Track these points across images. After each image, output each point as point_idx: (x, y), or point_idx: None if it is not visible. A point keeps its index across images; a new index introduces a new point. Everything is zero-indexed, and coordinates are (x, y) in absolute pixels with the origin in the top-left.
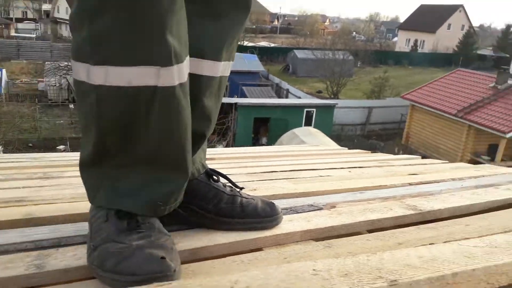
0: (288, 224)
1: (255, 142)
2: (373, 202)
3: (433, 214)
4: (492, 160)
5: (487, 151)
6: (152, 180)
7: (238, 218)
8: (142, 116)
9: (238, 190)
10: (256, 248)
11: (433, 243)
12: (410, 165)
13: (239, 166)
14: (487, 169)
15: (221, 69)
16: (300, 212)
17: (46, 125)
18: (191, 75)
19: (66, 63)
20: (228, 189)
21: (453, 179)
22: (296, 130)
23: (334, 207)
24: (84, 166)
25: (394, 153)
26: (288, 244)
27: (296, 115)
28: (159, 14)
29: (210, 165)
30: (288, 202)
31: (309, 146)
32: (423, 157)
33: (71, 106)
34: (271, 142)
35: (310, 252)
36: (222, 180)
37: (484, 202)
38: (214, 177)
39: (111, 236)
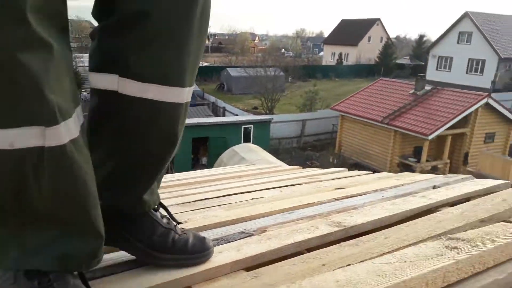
0: (218, 256)
1: (195, 163)
2: (301, 222)
3: (356, 229)
4: (418, 161)
5: (413, 153)
6: (59, 235)
7: (169, 253)
8: (31, 178)
9: (174, 224)
10: (185, 286)
11: (350, 264)
12: (337, 178)
13: (172, 196)
14: (406, 178)
15: (186, 94)
16: (231, 241)
17: None
18: (161, 103)
19: None
20: (165, 220)
21: (375, 191)
22: (236, 148)
23: (264, 231)
24: None
25: (329, 162)
26: (218, 278)
27: (234, 132)
28: (32, 75)
29: None
30: (220, 231)
31: (244, 166)
32: (355, 164)
33: None
34: (212, 161)
35: (238, 285)
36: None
37: (402, 212)
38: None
39: None
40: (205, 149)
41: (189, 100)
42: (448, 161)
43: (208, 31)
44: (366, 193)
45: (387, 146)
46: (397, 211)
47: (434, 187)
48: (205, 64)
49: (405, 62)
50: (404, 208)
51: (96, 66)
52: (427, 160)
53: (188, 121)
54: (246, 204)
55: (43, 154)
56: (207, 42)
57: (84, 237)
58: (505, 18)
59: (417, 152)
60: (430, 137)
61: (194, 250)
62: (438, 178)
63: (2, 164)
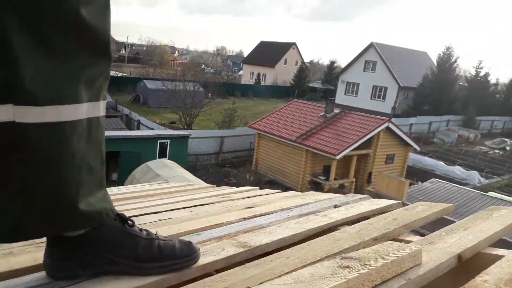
0: (119, 284)
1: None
2: (208, 243)
3: (261, 249)
4: (327, 179)
5: (322, 171)
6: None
7: (157, 262)
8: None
9: (154, 233)
10: None
11: (250, 286)
12: (248, 197)
13: None
14: (311, 196)
15: (85, 110)
16: None
17: None
18: (51, 124)
19: None
20: (144, 233)
21: (282, 209)
22: (150, 163)
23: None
24: None
25: (246, 179)
26: None
27: (149, 147)
28: None
29: None
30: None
31: (155, 184)
32: (270, 180)
33: None
34: (123, 177)
35: None
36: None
37: (305, 231)
38: (129, 221)
39: None
40: (115, 164)
41: (95, 115)
42: (354, 179)
43: (125, 40)
44: (273, 211)
45: (299, 164)
46: (300, 230)
47: (335, 206)
48: (120, 74)
49: (317, 85)
50: (307, 227)
51: None
52: (335, 179)
53: None
54: (152, 226)
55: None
56: (123, 51)
57: None
58: (405, 50)
59: (326, 171)
60: (337, 157)
61: (182, 254)
62: (339, 198)
63: None
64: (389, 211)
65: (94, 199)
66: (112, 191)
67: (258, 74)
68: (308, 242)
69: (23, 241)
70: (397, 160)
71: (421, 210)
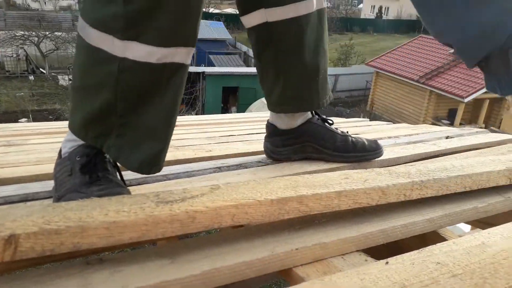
0: (236, 177)
1: (224, 112)
2: None
3: (363, 166)
4: (451, 124)
5: (447, 115)
6: (146, 140)
7: (351, 152)
8: (162, 87)
9: (346, 132)
10: None
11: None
12: (356, 126)
13: (200, 131)
14: (422, 128)
15: (315, 3)
16: (249, 167)
17: (5, 97)
18: (288, 20)
19: (22, 32)
20: (339, 131)
21: (389, 137)
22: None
23: (280, 162)
24: (83, 122)
25: None
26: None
27: None
28: (198, 4)
29: (175, 131)
30: (240, 160)
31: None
32: (389, 121)
33: (31, 77)
34: (240, 111)
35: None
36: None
37: (410, 156)
38: (329, 121)
39: (74, 187)
40: (234, 99)
41: (323, 6)
42: (483, 126)
43: None
44: (380, 138)
45: (420, 107)
46: (405, 154)
47: (447, 137)
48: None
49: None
50: (413, 153)
51: (243, 10)
52: (460, 124)
53: (219, 69)
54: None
55: (180, 69)
56: None
57: (158, 147)
58: None
59: (451, 115)
60: (466, 100)
61: (371, 148)
62: (453, 130)
63: (142, 73)
64: (507, 144)
65: (326, 83)
66: (231, 116)
67: (380, 7)
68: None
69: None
70: None
71: None
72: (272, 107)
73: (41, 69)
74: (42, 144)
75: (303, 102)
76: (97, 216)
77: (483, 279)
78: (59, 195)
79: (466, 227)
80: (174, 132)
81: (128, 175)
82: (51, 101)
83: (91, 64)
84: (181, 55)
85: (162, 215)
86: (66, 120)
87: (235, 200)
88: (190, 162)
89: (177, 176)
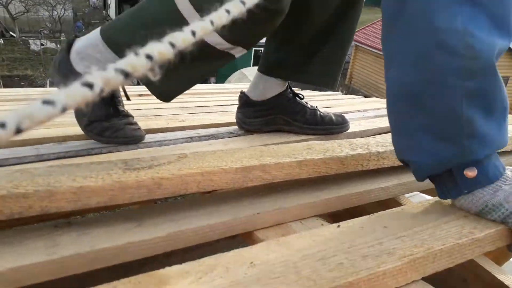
0: (207, 147)
1: (203, 83)
2: None
3: (329, 138)
4: None
5: None
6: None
7: (320, 125)
8: (209, 60)
9: (315, 106)
10: None
11: None
12: (328, 100)
13: (174, 101)
14: None
15: None
16: (221, 138)
17: None
18: None
19: None
20: (309, 105)
21: (359, 111)
22: (244, 70)
23: (252, 133)
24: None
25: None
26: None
27: (245, 54)
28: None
29: (147, 100)
30: (212, 130)
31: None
32: (365, 96)
33: (0, 41)
34: (219, 81)
35: None
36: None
37: (376, 129)
38: (300, 95)
39: (103, 117)
40: None
41: None
42: None
43: None
44: (350, 112)
45: None
46: (371, 127)
47: None
48: None
49: None
50: (379, 126)
51: None
52: None
53: None
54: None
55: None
56: None
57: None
58: None
59: None
60: None
61: (338, 122)
62: None
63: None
64: None
65: None
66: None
67: None
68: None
69: None
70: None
71: None
72: (284, 72)
73: (10, 32)
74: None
75: (330, 79)
76: (65, 181)
77: (422, 241)
78: (90, 119)
79: (428, 197)
80: (148, 101)
81: (97, 143)
82: (22, 66)
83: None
84: (236, 50)
85: (129, 181)
86: (39, 87)
87: (201, 168)
88: (162, 132)
89: (148, 145)
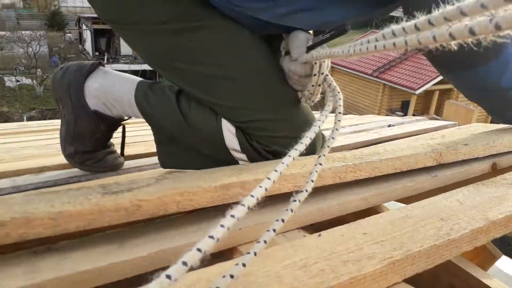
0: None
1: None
2: None
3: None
4: (405, 115)
5: (400, 107)
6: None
7: None
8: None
9: None
10: None
11: None
12: None
13: None
14: (368, 118)
15: None
16: None
17: None
18: None
19: None
20: None
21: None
22: None
23: None
24: None
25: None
26: None
27: None
28: None
29: (130, 128)
30: None
31: None
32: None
33: None
34: None
35: None
36: None
37: (353, 144)
38: None
39: (89, 149)
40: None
41: None
42: (435, 115)
43: None
44: (327, 129)
45: (375, 99)
46: (348, 142)
47: (389, 126)
48: None
49: (399, 14)
50: (355, 141)
51: None
52: (413, 115)
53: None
54: None
55: None
56: None
57: None
58: None
59: (405, 106)
60: (417, 92)
61: None
62: (395, 119)
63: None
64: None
65: None
66: None
67: None
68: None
69: None
70: None
71: (474, 129)
72: None
73: None
74: None
75: None
76: (42, 207)
77: (401, 244)
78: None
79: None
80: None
81: (76, 172)
82: None
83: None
84: None
85: (108, 204)
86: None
87: (180, 188)
88: (141, 158)
89: (127, 171)
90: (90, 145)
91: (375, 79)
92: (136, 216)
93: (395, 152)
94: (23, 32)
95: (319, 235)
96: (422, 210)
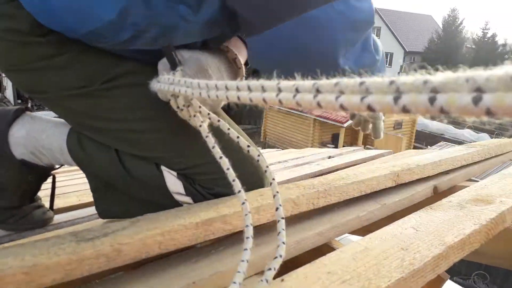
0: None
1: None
2: None
3: None
4: (335, 147)
5: (331, 139)
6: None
7: None
8: None
9: None
10: None
11: None
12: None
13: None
14: (308, 151)
15: None
16: None
17: None
18: None
19: None
20: None
21: (279, 162)
22: None
23: None
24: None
25: None
26: None
27: None
28: None
29: (60, 178)
30: None
31: None
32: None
33: None
34: None
35: None
36: None
37: (298, 177)
38: None
39: (15, 205)
40: None
41: None
42: (362, 146)
43: None
44: (271, 164)
45: (307, 134)
46: (294, 176)
47: (329, 157)
48: None
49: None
50: (300, 174)
51: None
52: (343, 146)
53: None
54: None
55: None
56: None
57: None
58: (409, 15)
59: (335, 139)
60: (345, 125)
61: None
62: (334, 150)
63: None
64: (379, 158)
65: None
66: None
67: None
68: None
69: None
70: (405, 125)
71: (410, 154)
72: None
73: None
74: None
75: None
76: (12, 262)
77: (368, 281)
78: None
79: (355, 238)
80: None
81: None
82: None
83: None
84: None
85: (86, 251)
86: None
87: (160, 228)
88: (74, 210)
89: (57, 226)
90: (16, 199)
91: (306, 114)
92: (117, 262)
93: (357, 176)
94: None
95: (282, 280)
96: (381, 241)
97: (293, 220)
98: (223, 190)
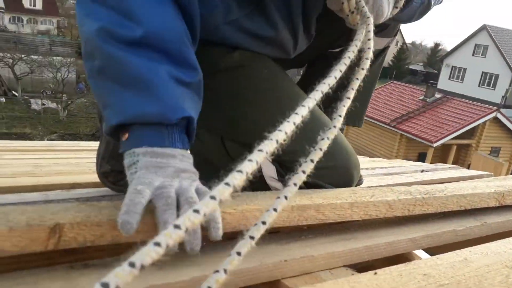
0: None
1: None
2: None
3: None
4: None
5: (416, 158)
6: None
7: None
8: None
9: None
10: None
11: None
12: None
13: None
14: (398, 162)
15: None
16: None
17: None
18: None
19: None
20: None
21: (367, 168)
22: None
23: None
24: None
25: None
26: None
27: None
28: None
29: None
30: None
31: None
32: None
33: (2, 99)
34: None
35: None
36: None
37: (389, 185)
38: None
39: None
40: None
41: None
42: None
43: None
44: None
45: (391, 149)
46: (383, 184)
47: (422, 171)
48: None
49: (418, 68)
50: (390, 182)
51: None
52: None
53: None
54: None
55: None
56: None
57: None
58: None
59: (421, 159)
60: (435, 145)
61: None
62: (427, 165)
63: None
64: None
65: None
66: None
67: None
68: None
69: None
70: (503, 154)
71: None
72: None
73: (13, 91)
74: (16, 159)
75: (356, 117)
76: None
77: (477, 284)
78: None
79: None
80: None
81: (107, 191)
82: (21, 124)
83: None
84: None
85: None
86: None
87: (258, 204)
88: None
89: None
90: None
91: (393, 128)
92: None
93: (457, 190)
94: (54, 57)
95: (375, 273)
96: (482, 255)
97: (385, 223)
98: (315, 181)
